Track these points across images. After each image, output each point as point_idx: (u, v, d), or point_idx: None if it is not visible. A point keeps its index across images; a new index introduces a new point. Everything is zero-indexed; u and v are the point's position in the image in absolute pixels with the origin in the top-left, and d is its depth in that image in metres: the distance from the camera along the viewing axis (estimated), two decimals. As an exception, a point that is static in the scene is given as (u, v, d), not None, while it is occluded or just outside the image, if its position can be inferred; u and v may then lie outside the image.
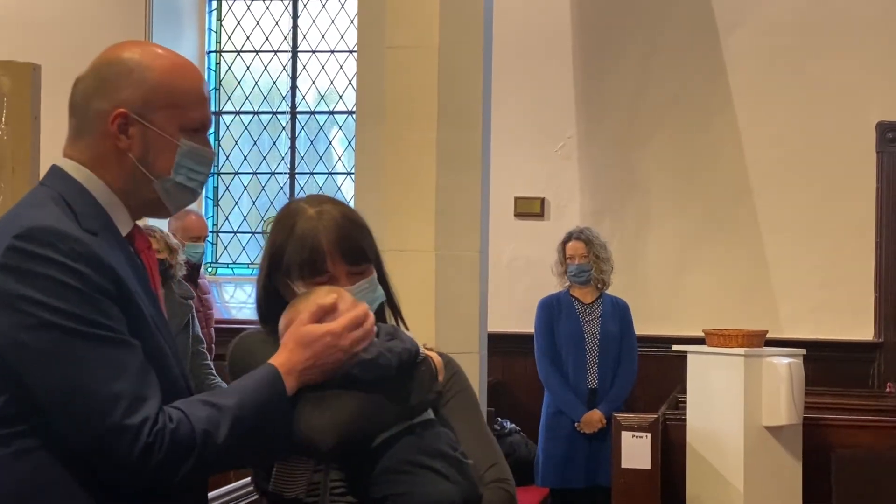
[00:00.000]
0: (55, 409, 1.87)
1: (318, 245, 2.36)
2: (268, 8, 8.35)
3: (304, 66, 8.32)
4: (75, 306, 1.84)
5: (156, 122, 2.01)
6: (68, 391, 1.85)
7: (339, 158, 8.27)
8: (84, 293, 1.85)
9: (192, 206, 7.03)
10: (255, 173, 8.35)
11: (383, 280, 2.50)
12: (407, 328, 2.48)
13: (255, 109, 8.37)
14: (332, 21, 8.26)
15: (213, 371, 6.08)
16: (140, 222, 2.26)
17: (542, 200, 7.50)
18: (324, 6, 8.28)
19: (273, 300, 2.40)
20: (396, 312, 2.52)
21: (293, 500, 2.30)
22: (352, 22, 7.96)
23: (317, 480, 2.29)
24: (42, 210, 1.92)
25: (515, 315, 6.46)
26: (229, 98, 8.36)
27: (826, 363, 6.59)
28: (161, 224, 5.52)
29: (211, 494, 3.58)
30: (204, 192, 8.10)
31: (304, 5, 8.30)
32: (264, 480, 2.33)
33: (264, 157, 8.35)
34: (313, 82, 8.31)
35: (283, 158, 8.33)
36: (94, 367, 1.85)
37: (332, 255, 2.36)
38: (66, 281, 1.84)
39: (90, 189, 2.00)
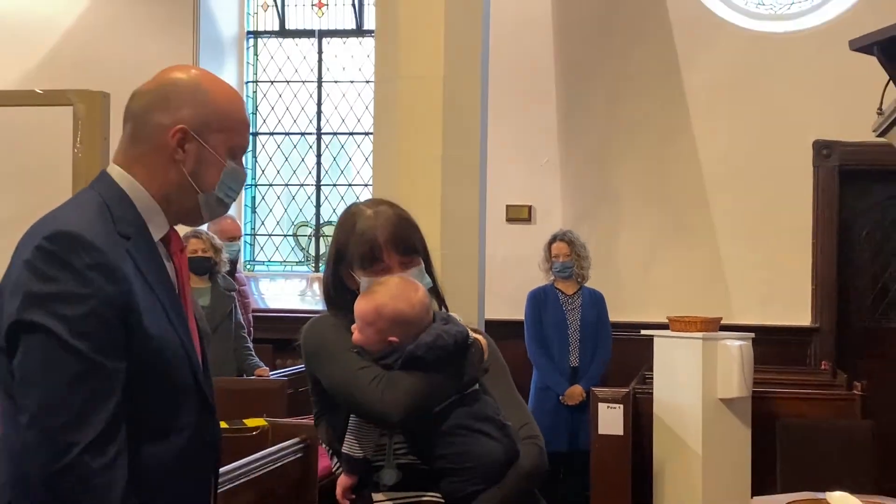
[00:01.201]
0: (19, 394, 1.74)
1: (375, 239, 2.37)
2: (297, 45, 8.34)
3: (328, 94, 8.31)
4: (75, 316, 1.74)
5: (210, 142, 1.94)
6: (32, 387, 1.73)
7: (358, 172, 8.25)
8: (89, 305, 1.75)
9: (230, 211, 7.11)
10: (286, 185, 8.34)
11: (430, 271, 2.49)
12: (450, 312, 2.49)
13: (286, 131, 8.36)
14: (352, 56, 8.25)
15: (252, 351, 6.10)
16: (184, 226, 2.23)
17: (530, 208, 7.50)
18: (345, 43, 8.28)
19: (339, 289, 2.43)
20: (441, 300, 2.51)
21: (362, 460, 2.30)
22: (368, 57, 7.96)
23: (382, 443, 2.29)
24: (79, 214, 1.84)
25: (508, 304, 6.46)
26: (264, 121, 8.35)
27: (771, 345, 6.59)
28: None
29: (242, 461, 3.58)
30: (243, 200, 8.16)
31: (328, 42, 8.30)
32: (337, 442, 2.33)
33: (294, 172, 8.34)
34: (336, 108, 8.30)
35: (310, 172, 8.32)
36: (60, 378, 1.73)
37: (387, 247, 2.37)
38: (76, 291, 1.74)
39: (131, 196, 1.91)
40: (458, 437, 2.29)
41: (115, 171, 1.93)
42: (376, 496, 2.30)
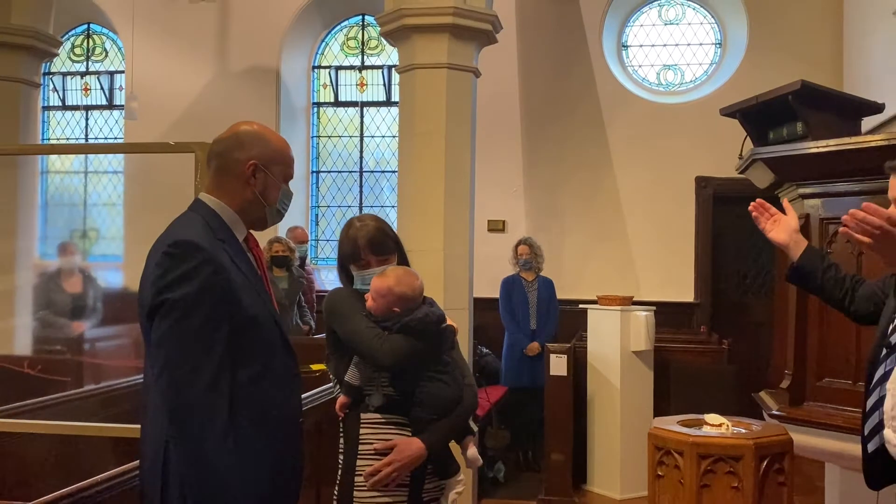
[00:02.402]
0: (154, 353, 1.76)
1: (356, 243, 2.37)
2: (346, 111, 8.34)
3: (367, 145, 8.30)
4: (192, 295, 1.75)
5: (272, 172, 1.96)
6: (162, 346, 1.75)
7: (388, 198, 8.27)
8: (201, 287, 1.76)
9: (301, 224, 7.14)
10: (339, 206, 8.33)
11: (404, 263, 2.46)
12: None
13: (339, 169, 8.35)
14: (384, 118, 8.25)
15: (309, 315, 6.14)
16: (270, 234, 2.23)
17: (504, 221, 7.52)
18: (378, 110, 8.28)
19: (346, 274, 2.44)
20: None
21: (357, 387, 2.30)
22: (394, 119, 7.97)
23: (374, 376, 2.29)
24: (189, 228, 1.85)
25: (488, 287, 6.47)
26: (324, 163, 8.36)
27: (667, 314, 6.62)
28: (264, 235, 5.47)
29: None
30: (309, 217, 8.18)
31: (367, 109, 8.29)
32: (343, 372, 2.31)
33: (344, 197, 8.34)
34: (372, 154, 8.30)
35: (355, 198, 8.32)
36: (185, 341, 1.74)
37: (365, 249, 2.36)
38: (191, 278, 1.75)
39: (219, 213, 1.92)
40: (424, 382, 2.29)
41: (206, 197, 1.94)
42: (364, 415, 2.30)
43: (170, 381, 1.73)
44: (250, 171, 1.92)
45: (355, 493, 2.26)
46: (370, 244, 2.36)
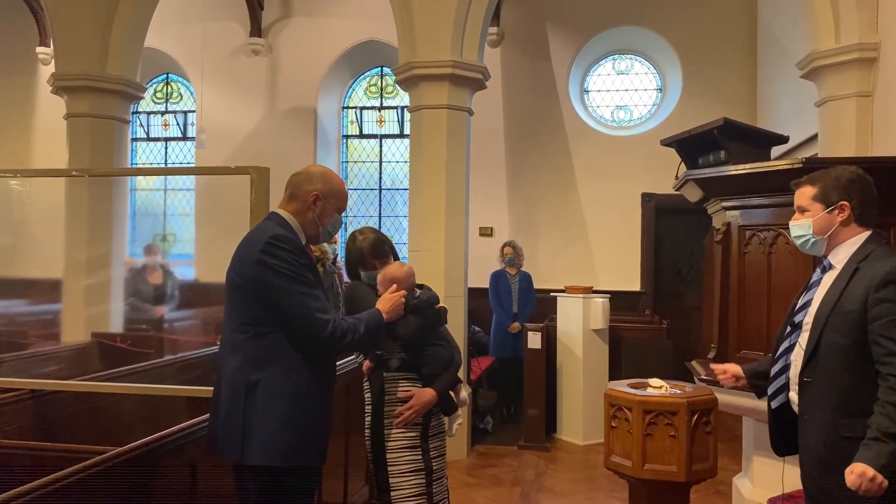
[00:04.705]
0: (288, 317, 1.89)
1: (362, 251, 2.44)
2: (369, 142, 8.31)
3: (385, 168, 8.27)
4: (297, 269, 1.89)
5: (328, 203, 2.06)
6: (296, 307, 1.88)
7: (401, 210, 8.25)
8: (300, 264, 1.91)
9: (335, 231, 7.11)
10: (363, 216, 8.30)
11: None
12: None
13: (363, 187, 8.32)
14: (398, 148, 8.22)
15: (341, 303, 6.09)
16: None
17: (492, 228, 7.49)
18: (394, 141, 8.26)
19: (354, 273, 2.50)
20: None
21: (379, 354, 2.38)
22: (406, 148, 7.96)
23: (391, 345, 2.36)
24: (277, 228, 1.95)
25: (480, 279, 6.48)
26: (351, 182, 8.35)
27: (619, 300, 6.62)
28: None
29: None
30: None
31: (385, 140, 8.27)
32: None
33: (367, 209, 8.31)
34: (389, 175, 8.28)
35: (375, 210, 8.29)
36: (307, 296, 1.89)
37: (369, 255, 2.44)
38: (293, 259, 1.89)
39: (289, 222, 2.02)
40: (430, 346, 2.38)
41: (280, 212, 2.06)
42: (386, 374, 2.38)
43: (307, 320, 1.88)
44: (312, 199, 2.03)
45: (385, 432, 2.35)
46: (373, 252, 2.44)
